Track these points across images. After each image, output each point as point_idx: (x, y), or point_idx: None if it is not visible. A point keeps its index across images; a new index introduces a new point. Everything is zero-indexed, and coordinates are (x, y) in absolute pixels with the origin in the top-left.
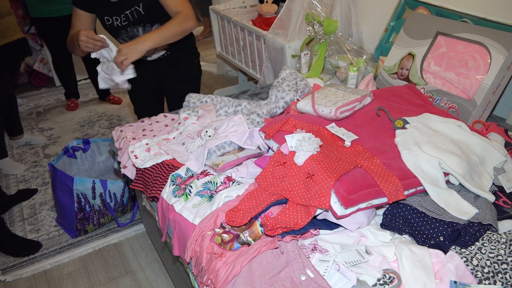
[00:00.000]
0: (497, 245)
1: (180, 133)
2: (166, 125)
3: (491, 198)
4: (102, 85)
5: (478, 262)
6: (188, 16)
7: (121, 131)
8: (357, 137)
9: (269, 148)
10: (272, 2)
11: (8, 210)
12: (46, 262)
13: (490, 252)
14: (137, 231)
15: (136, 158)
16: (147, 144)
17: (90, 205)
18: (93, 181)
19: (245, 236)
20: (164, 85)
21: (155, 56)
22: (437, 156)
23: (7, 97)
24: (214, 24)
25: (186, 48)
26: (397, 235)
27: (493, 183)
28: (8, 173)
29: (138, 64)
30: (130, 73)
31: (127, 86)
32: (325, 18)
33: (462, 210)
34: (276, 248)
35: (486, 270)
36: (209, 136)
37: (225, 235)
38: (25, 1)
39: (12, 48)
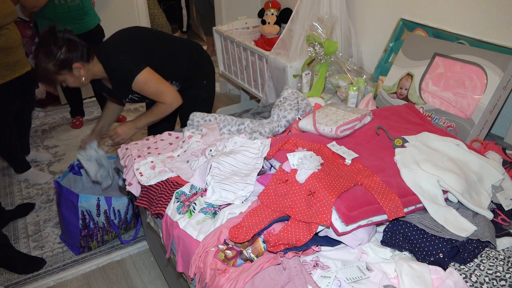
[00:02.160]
0: (496, 262)
1: (185, 151)
2: (171, 143)
3: (490, 215)
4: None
5: (477, 278)
6: (168, 106)
7: (127, 149)
8: (358, 155)
9: (271, 166)
10: (274, 24)
11: (6, 225)
12: (49, 279)
13: (489, 269)
14: (140, 248)
15: (141, 175)
16: (152, 161)
17: (94, 222)
18: (98, 198)
19: (248, 252)
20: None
21: None
22: (436, 174)
23: (8, 123)
24: (217, 44)
25: (195, 74)
26: (397, 252)
27: (492, 201)
28: (35, 182)
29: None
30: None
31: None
32: (325, 39)
33: (461, 227)
34: (278, 264)
35: (484, 286)
36: (213, 155)
37: (228, 252)
38: (36, 22)
39: (21, 81)
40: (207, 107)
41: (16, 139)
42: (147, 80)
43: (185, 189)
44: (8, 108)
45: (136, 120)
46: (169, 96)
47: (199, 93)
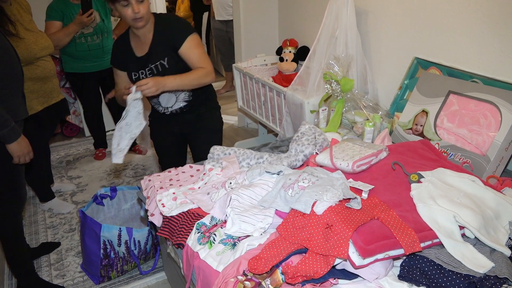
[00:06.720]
0: None
1: (205, 183)
2: (192, 176)
3: (507, 252)
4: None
5: None
6: (208, 72)
7: (149, 180)
8: (373, 186)
9: None
10: (292, 61)
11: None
12: None
13: None
14: (158, 279)
15: (164, 206)
16: (173, 193)
17: (115, 252)
18: (120, 228)
19: (267, 283)
20: (189, 137)
21: (176, 107)
22: (452, 210)
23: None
24: (236, 80)
25: (209, 103)
26: (414, 287)
27: (510, 238)
28: (58, 212)
29: (162, 117)
30: (138, 97)
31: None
32: (341, 77)
33: (478, 264)
34: None
35: None
36: (232, 188)
37: (247, 283)
38: (61, 58)
39: (54, 109)
40: (220, 138)
41: (46, 168)
42: (198, 42)
43: (206, 220)
44: (43, 136)
45: (168, 77)
46: (210, 64)
47: (214, 124)
